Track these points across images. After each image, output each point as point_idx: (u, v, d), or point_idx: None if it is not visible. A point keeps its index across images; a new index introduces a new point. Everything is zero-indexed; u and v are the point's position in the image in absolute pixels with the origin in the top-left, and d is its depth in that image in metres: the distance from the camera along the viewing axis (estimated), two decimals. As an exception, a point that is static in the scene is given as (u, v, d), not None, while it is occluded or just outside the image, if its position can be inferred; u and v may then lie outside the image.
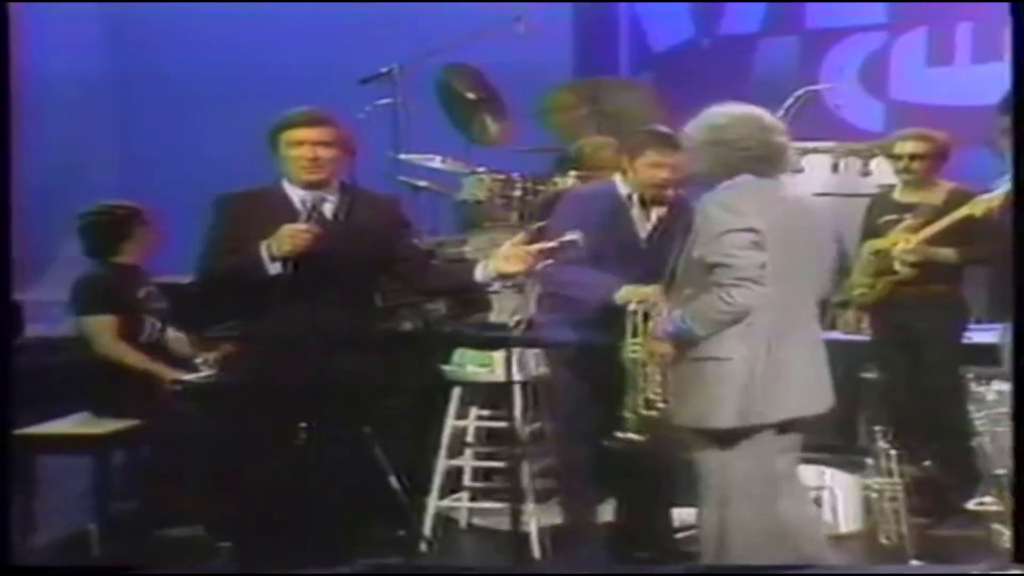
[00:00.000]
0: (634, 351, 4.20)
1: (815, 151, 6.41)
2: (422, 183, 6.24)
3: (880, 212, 5.62)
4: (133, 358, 5.14)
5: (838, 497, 5.13)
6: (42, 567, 4.11)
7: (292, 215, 4.09)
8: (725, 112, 3.90)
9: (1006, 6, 4.72)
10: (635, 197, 4.69)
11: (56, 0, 7.07)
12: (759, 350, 3.77)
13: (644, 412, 4.13)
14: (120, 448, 5.07)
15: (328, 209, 4.17)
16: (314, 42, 7.73)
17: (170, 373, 5.05)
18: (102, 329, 5.15)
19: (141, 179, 7.41)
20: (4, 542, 3.73)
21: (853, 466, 5.20)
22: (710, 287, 3.74)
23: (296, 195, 4.15)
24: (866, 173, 6.38)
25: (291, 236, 3.97)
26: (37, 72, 6.80)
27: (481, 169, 6.18)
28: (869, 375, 5.74)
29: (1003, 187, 5.53)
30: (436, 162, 6.22)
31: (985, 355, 5.46)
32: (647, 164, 4.62)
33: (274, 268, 4.00)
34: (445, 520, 5.22)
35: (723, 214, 3.79)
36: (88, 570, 4.21)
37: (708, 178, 3.92)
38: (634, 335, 4.23)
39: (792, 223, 3.87)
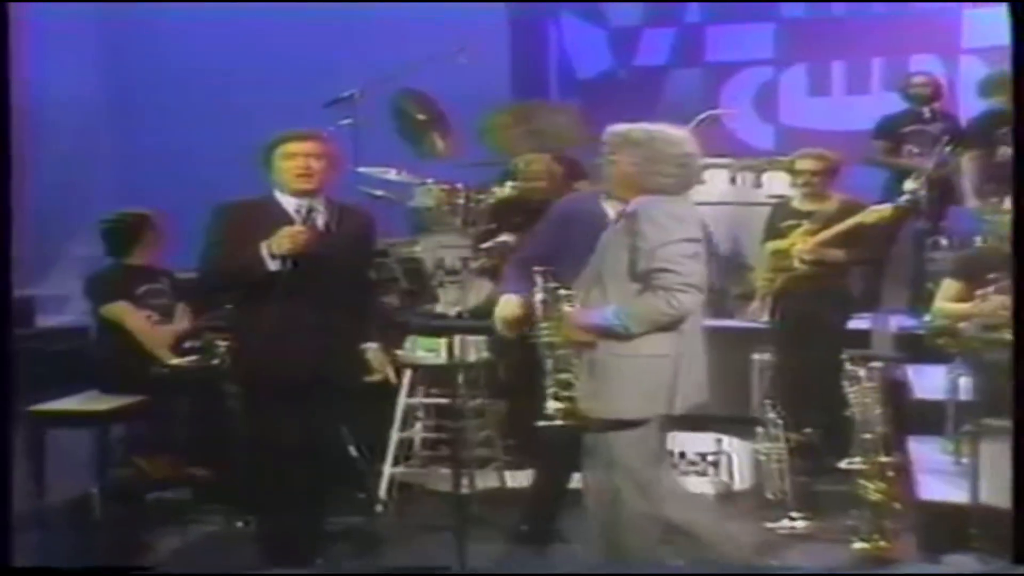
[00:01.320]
0: (547, 334, 3.65)
1: (715, 166, 6.38)
2: (379, 192, 6.19)
3: (781, 218, 5.70)
4: (157, 335, 5.12)
5: (733, 460, 5.17)
6: (42, 567, 3.90)
7: (288, 221, 3.99)
8: (664, 130, 3.71)
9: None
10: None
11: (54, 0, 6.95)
12: (684, 346, 3.66)
13: (564, 395, 3.59)
14: (119, 422, 5.00)
15: (319, 219, 4.07)
16: (288, 69, 7.67)
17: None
18: (126, 312, 5.10)
19: (139, 187, 7.30)
20: (4, 542, 3.52)
21: (746, 434, 5.21)
22: (654, 290, 3.56)
23: (289, 203, 4.06)
24: (758, 185, 6.42)
25: (291, 236, 3.91)
26: (44, 93, 6.76)
27: (430, 180, 6.13)
28: (762, 356, 5.77)
29: (895, 202, 5.72)
30: (391, 174, 6.17)
31: (861, 339, 5.59)
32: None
33: (274, 265, 3.91)
34: (399, 484, 5.18)
35: (672, 224, 3.61)
36: (88, 570, 3.97)
37: (654, 190, 3.67)
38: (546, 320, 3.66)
39: (703, 232, 3.79)
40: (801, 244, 5.46)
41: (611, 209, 3.75)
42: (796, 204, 5.71)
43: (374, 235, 4.40)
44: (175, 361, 5.00)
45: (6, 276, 3.70)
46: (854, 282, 5.89)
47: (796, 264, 5.50)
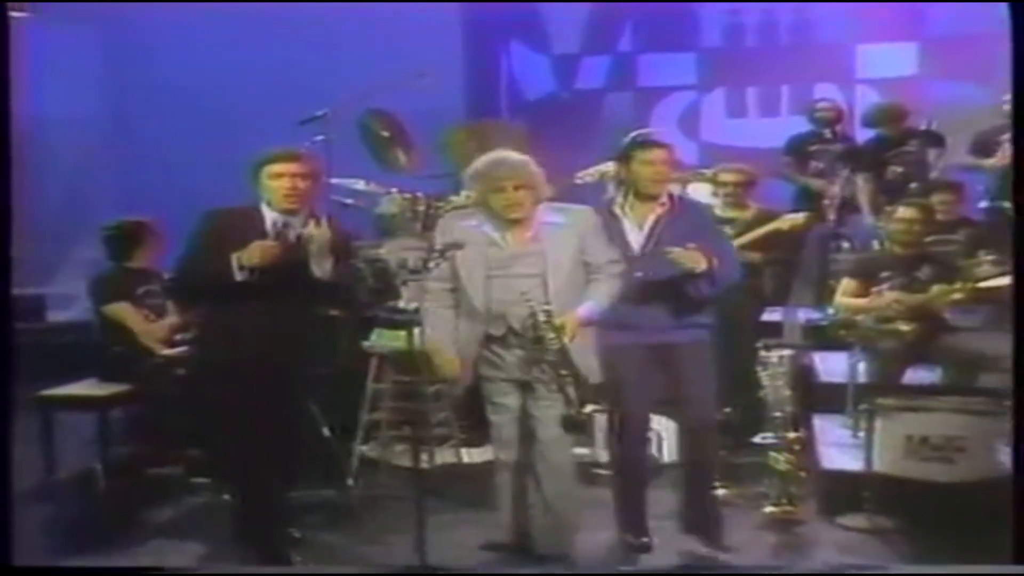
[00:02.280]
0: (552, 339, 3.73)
1: None
2: (349, 201, 6.19)
3: None
4: (151, 331, 5.08)
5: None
6: (42, 567, 3.75)
7: (262, 234, 3.93)
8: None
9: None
10: (627, 208, 4.05)
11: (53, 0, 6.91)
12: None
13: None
14: (118, 406, 4.99)
15: (292, 233, 3.98)
16: (269, 91, 7.66)
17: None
18: (127, 313, 5.08)
19: (137, 195, 7.27)
20: (4, 542, 3.41)
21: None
22: (606, 278, 3.84)
23: (270, 217, 3.99)
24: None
25: (261, 250, 3.83)
26: (50, 112, 6.72)
27: (394, 190, 6.13)
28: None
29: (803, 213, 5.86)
30: (360, 184, 6.18)
31: (772, 329, 5.67)
32: (640, 162, 4.03)
33: (240, 275, 3.83)
34: (367, 461, 5.16)
35: (602, 225, 3.91)
36: (88, 570, 3.85)
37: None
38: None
39: None
40: None
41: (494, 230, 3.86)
42: (718, 212, 5.73)
43: (345, 241, 4.31)
44: (167, 352, 4.99)
45: (6, 276, 3.63)
46: (768, 280, 6.01)
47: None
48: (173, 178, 7.58)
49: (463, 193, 5.91)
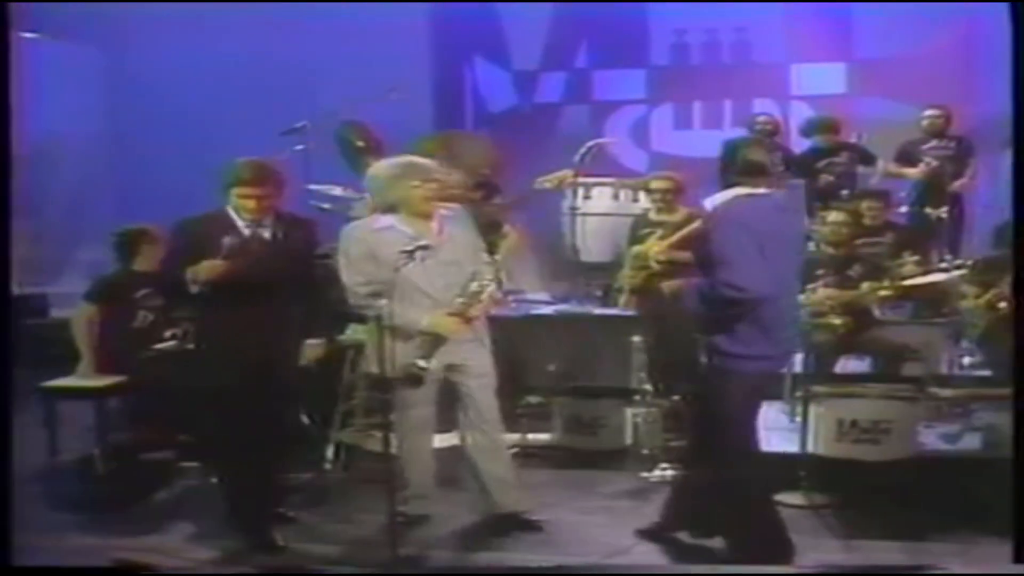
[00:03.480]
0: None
1: (601, 184, 6.45)
2: (326, 205, 6.19)
3: (640, 227, 5.74)
4: (84, 340, 4.96)
5: (622, 423, 5.15)
6: (42, 567, 3.64)
7: (238, 234, 3.94)
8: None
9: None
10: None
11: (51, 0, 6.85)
12: None
13: None
14: (114, 396, 4.92)
15: (266, 233, 4.00)
16: (256, 105, 7.57)
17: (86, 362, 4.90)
18: (81, 313, 5.01)
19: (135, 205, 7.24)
20: (4, 542, 3.31)
21: (625, 402, 5.21)
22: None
23: (239, 222, 3.98)
24: (636, 200, 6.39)
25: (209, 269, 3.83)
26: (54, 130, 6.68)
27: (368, 195, 6.15)
28: (635, 338, 5.91)
29: None
30: (336, 190, 6.18)
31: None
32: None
33: (194, 289, 3.83)
34: (343, 446, 5.12)
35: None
36: (88, 570, 3.73)
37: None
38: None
39: None
40: (656, 248, 5.47)
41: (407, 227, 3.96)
42: (651, 216, 5.78)
43: (316, 241, 4.34)
44: (159, 346, 4.96)
45: (6, 276, 3.58)
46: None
47: (652, 264, 5.53)
48: (166, 185, 7.57)
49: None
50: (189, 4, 7.80)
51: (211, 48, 8.07)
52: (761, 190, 3.66)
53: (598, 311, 6.84)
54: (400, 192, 4.03)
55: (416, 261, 3.78)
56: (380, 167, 4.21)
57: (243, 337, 3.92)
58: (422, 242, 3.83)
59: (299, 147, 6.11)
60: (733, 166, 3.69)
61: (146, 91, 8.21)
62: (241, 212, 3.98)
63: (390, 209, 4.06)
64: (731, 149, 3.75)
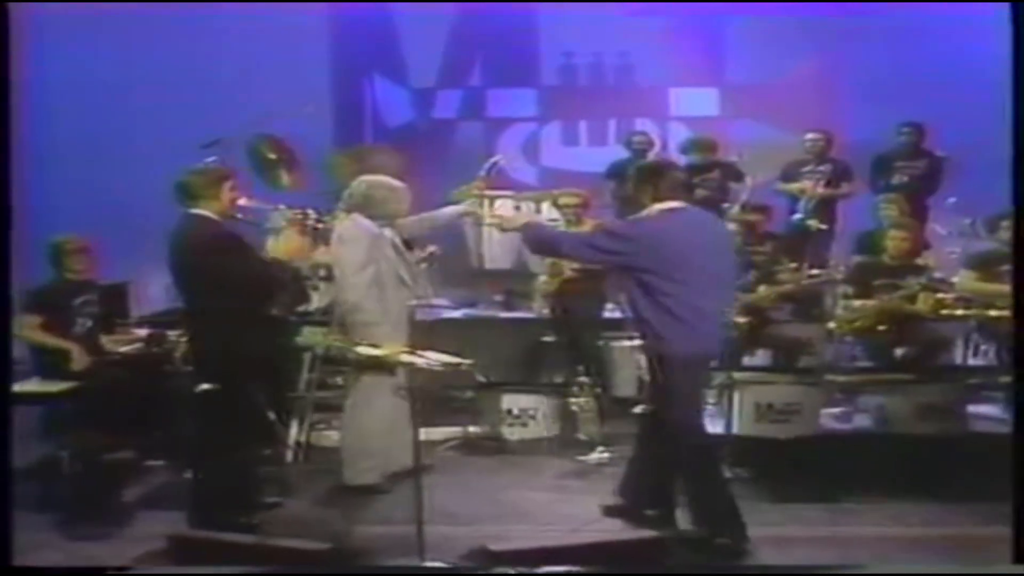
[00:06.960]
0: None
1: (503, 196, 6.82)
2: (239, 216, 6.31)
3: None
4: (41, 338, 5.08)
5: (547, 414, 5.64)
6: (42, 567, 3.69)
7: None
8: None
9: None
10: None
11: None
12: None
13: None
14: (69, 400, 4.95)
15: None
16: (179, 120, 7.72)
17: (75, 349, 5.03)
18: (28, 323, 5.08)
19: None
20: (4, 542, 3.36)
21: (557, 393, 5.71)
22: None
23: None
24: (538, 211, 6.75)
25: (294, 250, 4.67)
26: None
27: (282, 206, 6.33)
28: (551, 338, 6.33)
29: None
30: (242, 200, 6.29)
31: (614, 325, 6.25)
32: None
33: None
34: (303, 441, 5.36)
35: None
36: (88, 570, 3.78)
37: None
38: None
39: None
40: None
41: None
42: (562, 227, 6.18)
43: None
44: (123, 349, 5.04)
45: (6, 276, 3.69)
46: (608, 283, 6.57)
47: (567, 272, 6.08)
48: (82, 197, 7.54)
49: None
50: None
51: (125, 56, 8.12)
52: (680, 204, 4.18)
53: (504, 314, 7.33)
54: (390, 208, 4.90)
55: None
56: (381, 183, 4.99)
57: (215, 341, 4.17)
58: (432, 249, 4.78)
59: (211, 159, 6.23)
60: (662, 183, 4.18)
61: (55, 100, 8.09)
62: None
63: (370, 216, 4.83)
64: (655, 169, 4.27)
